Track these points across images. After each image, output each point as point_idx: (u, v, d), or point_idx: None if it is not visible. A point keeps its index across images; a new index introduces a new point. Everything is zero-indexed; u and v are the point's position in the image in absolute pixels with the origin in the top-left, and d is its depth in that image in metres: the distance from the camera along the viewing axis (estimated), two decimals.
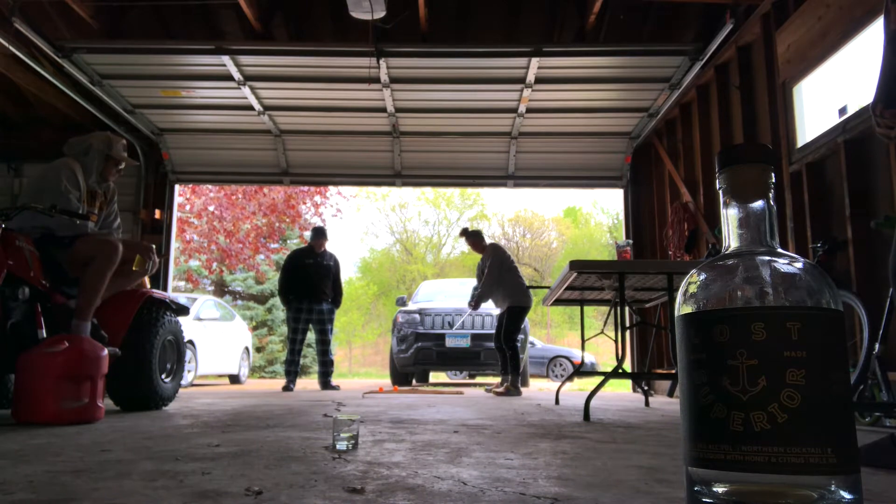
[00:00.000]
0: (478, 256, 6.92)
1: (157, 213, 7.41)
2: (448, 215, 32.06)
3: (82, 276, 3.28)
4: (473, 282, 7.25)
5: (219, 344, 9.84)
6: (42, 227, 3.26)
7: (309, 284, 6.96)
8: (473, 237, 6.87)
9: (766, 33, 4.76)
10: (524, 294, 6.45)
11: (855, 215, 3.69)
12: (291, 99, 6.55)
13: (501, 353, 6.42)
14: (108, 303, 3.42)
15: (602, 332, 4.83)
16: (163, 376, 3.75)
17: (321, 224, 10.98)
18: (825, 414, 0.72)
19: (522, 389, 6.75)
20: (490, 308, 8.57)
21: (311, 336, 7.15)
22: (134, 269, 3.54)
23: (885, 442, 1.88)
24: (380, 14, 5.04)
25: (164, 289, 7.12)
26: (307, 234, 20.74)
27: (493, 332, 8.36)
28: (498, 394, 5.96)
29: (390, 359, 8.93)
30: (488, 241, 6.87)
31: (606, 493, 1.20)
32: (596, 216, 33.20)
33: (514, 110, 6.61)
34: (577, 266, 3.55)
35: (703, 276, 0.82)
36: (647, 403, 4.61)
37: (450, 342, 8.37)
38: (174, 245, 7.79)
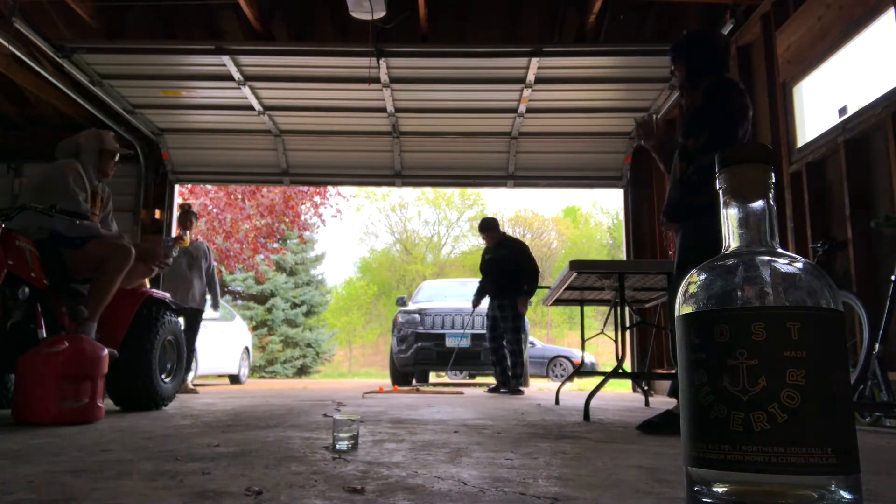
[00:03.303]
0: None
1: (157, 213, 7.41)
2: (448, 215, 32.08)
3: (96, 277, 3.28)
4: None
5: (219, 344, 9.83)
6: (49, 228, 3.26)
7: (488, 281, 6.67)
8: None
9: (766, 33, 4.76)
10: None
11: (855, 215, 3.69)
12: (291, 99, 6.55)
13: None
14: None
15: (602, 332, 4.83)
16: (163, 376, 3.75)
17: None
18: (825, 414, 0.72)
19: (523, 389, 6.75)
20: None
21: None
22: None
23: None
24: (380, 14, 5.04)
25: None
26: (307, 234, 20.79)
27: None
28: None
29: (390, 359, 8.92)
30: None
31: (606, 493, 1.20)
32: (596, 216, 33.25)
33: (514, 110, 6.61)
34: (577, 266, 3.55)
35: (703, 276, 0.82)
36: (647, 403, 4.61)
37: (450, 342, 8.37)
38: None
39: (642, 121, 2.87)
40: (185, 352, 4.07)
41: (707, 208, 2.50)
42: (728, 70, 2.80)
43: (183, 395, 5.58)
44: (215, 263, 6.79)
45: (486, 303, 6.77)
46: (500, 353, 6.48)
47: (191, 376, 8.48)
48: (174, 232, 7.56)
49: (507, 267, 6.47)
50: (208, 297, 6.55)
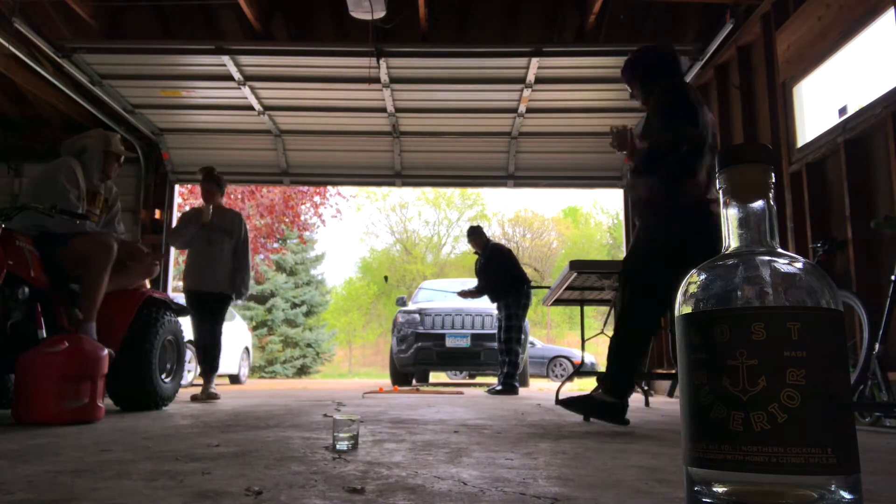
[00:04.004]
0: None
1: (157, 213, 7.41)
2: (448, 215, 32.10)
3: (83, 277, 3.28)
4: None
5: None
6: (40, 225, 3.26)
7: (485, 284, 6.94)
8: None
9: (766, 33, 4.76)
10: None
11: (855, 215, 3.69)
12: (291, 99, 6.54)
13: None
14: (107, 302, 3.42)
15: (602, 332, 4.83)
16: (163, 376, 3.75)
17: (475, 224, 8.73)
18: (825, 414, 0.72)
19: (522, 389, 6.76)
20: (492, 308, 8.59)
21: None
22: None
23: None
24: (380, 14, 5.03)
25: (164, 289, 7.11)
26: (307, 234, 20.79)
27: (494, 332, 8.39)
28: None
29: (390, 359, 8.92)
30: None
31: (606, 493, 1.20)
32: (596, 216, 33.25)
33: (514, 110, 6.61)
34: (577, 266, 3.56)
35: (703, 276, 0.82)
36: (647, 403, 4.61)
37: (450, 342, 8.37)
38: None
39: (617, 132, 2.99)
40: (185, 352, 4.07)
41: (661, 205, 2.77)
42: (681, 75, 3.03)
43: (207, 401, 4.73)
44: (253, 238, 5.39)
45: (484, 301, 6.91)
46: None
47: (191, 376, 8.43)
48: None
49: (497, 272, 6.68)
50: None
